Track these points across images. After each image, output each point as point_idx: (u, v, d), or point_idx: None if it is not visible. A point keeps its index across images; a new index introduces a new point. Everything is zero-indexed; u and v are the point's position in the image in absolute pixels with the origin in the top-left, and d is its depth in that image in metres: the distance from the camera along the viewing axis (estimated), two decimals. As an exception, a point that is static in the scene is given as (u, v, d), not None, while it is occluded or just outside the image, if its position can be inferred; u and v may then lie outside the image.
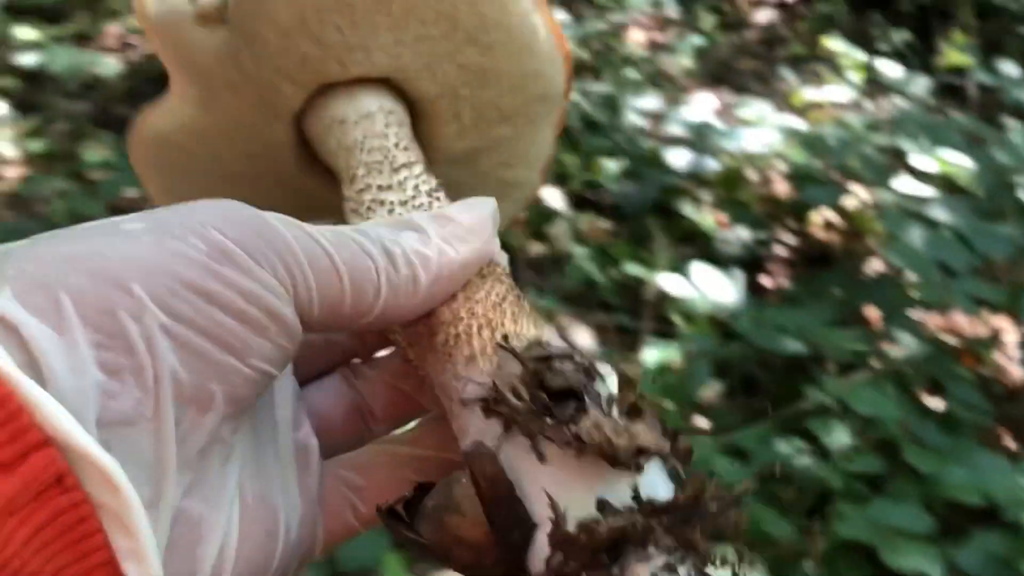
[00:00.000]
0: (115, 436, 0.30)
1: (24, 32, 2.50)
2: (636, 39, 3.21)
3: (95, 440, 0.28)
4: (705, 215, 2.24)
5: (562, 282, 2.17)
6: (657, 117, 2.54)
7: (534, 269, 2.25)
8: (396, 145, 0.50)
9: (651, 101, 2.47)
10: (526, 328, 0.42)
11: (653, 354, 1.85)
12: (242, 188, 0.56)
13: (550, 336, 0.42)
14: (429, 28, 0.50)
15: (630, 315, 2.11)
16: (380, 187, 0.49)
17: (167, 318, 0.32)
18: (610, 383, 0.40)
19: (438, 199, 0.49)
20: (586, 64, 2.94)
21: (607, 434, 0.34)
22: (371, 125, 0.51)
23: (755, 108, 2.28)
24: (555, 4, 3.20)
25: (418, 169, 0.50)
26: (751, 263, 2.23)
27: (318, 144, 0.53)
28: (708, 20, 3.24)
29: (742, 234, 2.21)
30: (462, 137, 0.57)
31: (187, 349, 0.32)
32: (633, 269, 1.98)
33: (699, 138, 2.15)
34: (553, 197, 2.10)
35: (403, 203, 0.48)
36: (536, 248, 2.28)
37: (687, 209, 2.24)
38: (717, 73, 3.08)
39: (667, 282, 1.85)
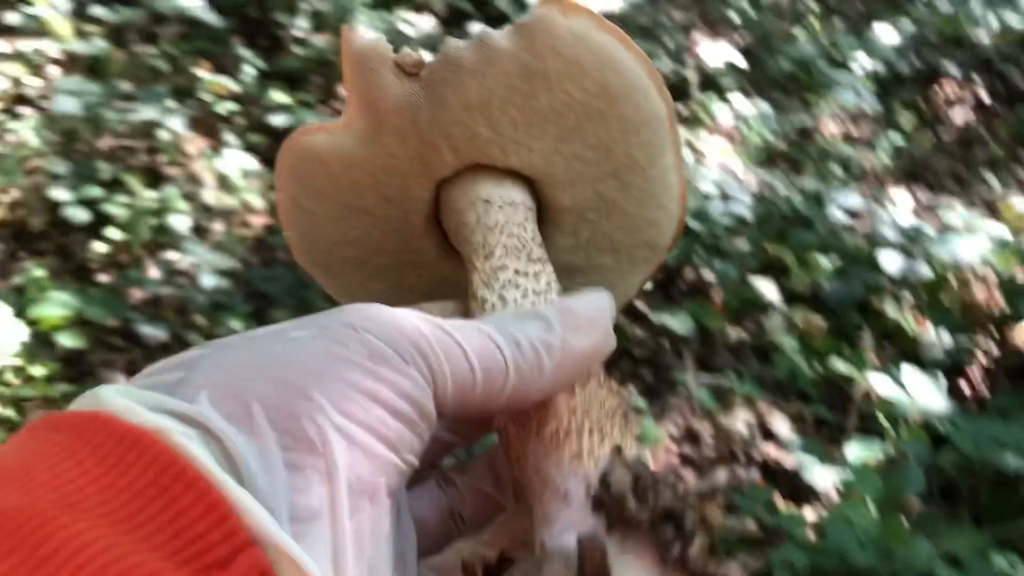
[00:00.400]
0: (304, 530, 0.32)
1: (278, 96, 2.77)
2: (829, 130, 3.28)
3: (291, 537, 0.31)
4: (907, 316, 2.28)
5: (762, 369, 2.24)
6: (859, 214, 2.60)
7: (732, 353, 2.33)
8: (532, 239, 0.54)
9: (854, 199, 2.53)
10: (632, 445, 0.44)
11: (855, 450, 1.89)
12: (362, 222, 0.59)
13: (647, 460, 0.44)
14: (587, 151, 0.55)
15: (829, 408, 2.16)
16: (518, 271, 0.51)
17: (340, 418, 0.34)
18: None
19: None
20: (785, 155, 3.03)
21: (710, 566, 0.38)
22: (514, 214, 0.54)
23: (963, 215, 2.31)
24: (754, 94, 3.30)
25: (550, 268, 0.53)
26: (949, 368, 2.25)
27: (454, 212, 0.56)
28: (906, 117, 3.27)
29: (943, 338, 2.23)
30: (572, 253, 0.61)
31: (357, 446, 0.34)
32: (839, 365, 2.03)
33: (911, 243, 2.20)
34: (768, 289, 2.18)
35: (536, 292, 0.50)
36: (735, 333, 2.36)
37: (889, 308, 2.28)
38: (912, 171, 3.10)
39: (877, 382, 1.90)
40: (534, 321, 0.44)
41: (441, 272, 0.61)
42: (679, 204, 0.59)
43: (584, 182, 0.56)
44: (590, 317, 0.45)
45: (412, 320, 0.40)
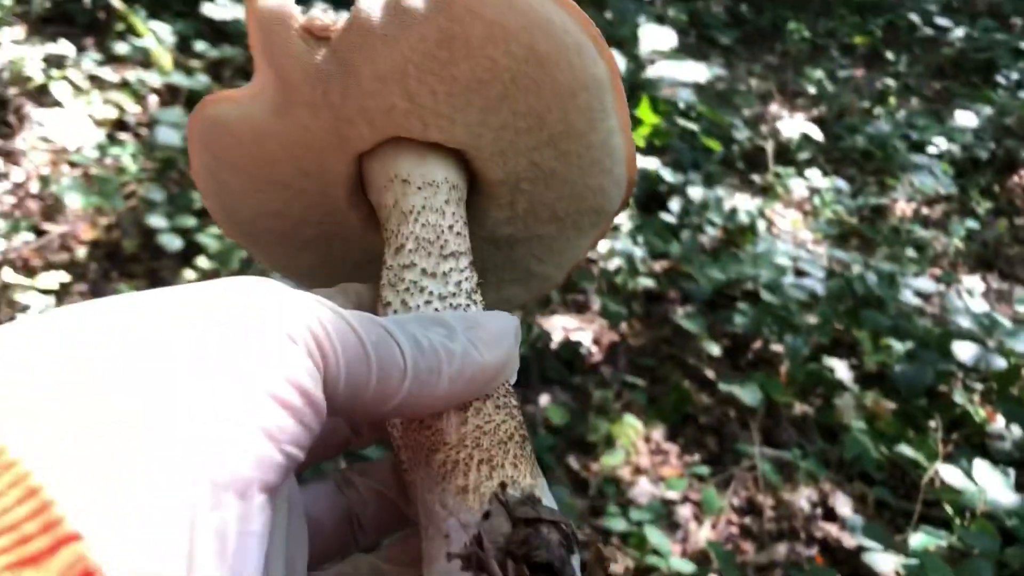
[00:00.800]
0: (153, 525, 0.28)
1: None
2: (903, 209, 3.29)
3: (136, 532, 0.27)
4: (976, 405, 2.27)
5: (825, 446, 2.25)
6: (931, 297, 2.61)
7: (796, 428, 2.34)
8: (451, 228, 0.49)
9: (926, 282, 2.54)
10: (524, 475, 0.42)
11: (919, 538, 1.89)
12: (281, 195, 0.55)
13: (543, 489, 0.42)
14: (517, 120, 0.49)
15: (892, 492, 2.15)
16: (424, 271, 0.47)
17: (208, 401, 0.30)
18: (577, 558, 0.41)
19: (475, 301, 0.48)
20: (857, 231, 3.05)
21: None
22: (433, 196, 0.49)
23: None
24: (831, 171, 3.33)
25: (464, 262, 0.49)
26: (1018, 462, 2.23)
27: (374, 190, 0.52)
28: (980, 203, 3.28)
29: (1014, 431, 2.22)
30: (510, 224, 0.57)
31: (224, 436, 0.30)
32: (907, 451, 2.04)
33: (985, 332, 2.20)
34: (840, 368, 2.20)
35: (442, 297, 0.47)
36: (799, 407, 2.37)
37: (958, 396, 2.28)
38: (985, 257, 3.10)
39: (947, 472, 1.90)
40: (437, 326, 0.41)
41: (370, 244, 0.57)
42: (626, 166, 0.54)
43: (516, 153, 0.51)
44: (495, 333, 0.43)
45: (307, 301, 0.36)
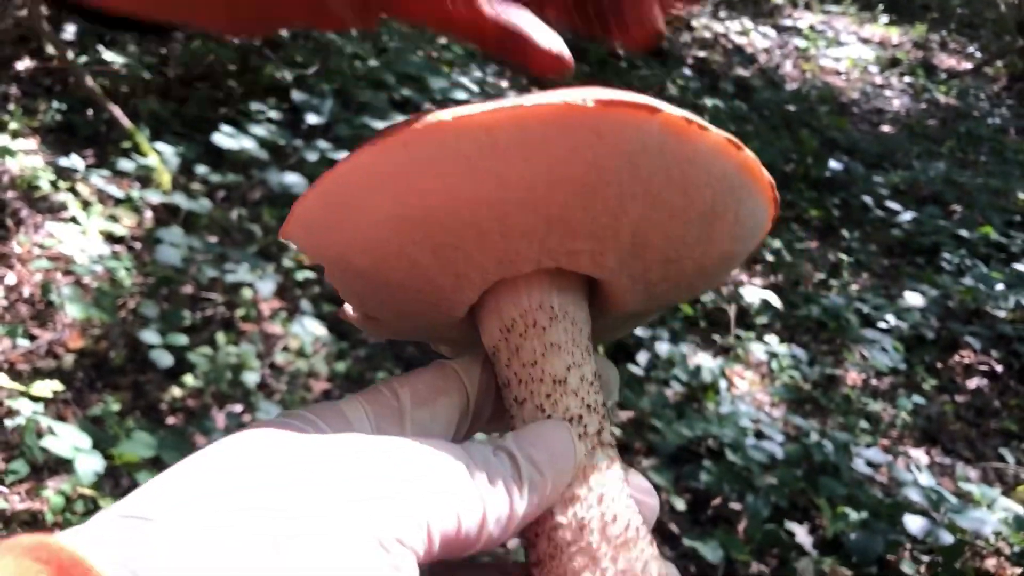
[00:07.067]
0: None
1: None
2: (854, 379, 3.48)
3: None
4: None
5: (781, 607, 2.33)
6: (880, 467, 2.75)
7: (753, 586, 2.43)
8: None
9: (877, 454, 2.69)
10: None
11: None
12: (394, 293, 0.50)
13: None
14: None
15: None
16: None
17: None
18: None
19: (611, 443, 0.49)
20: (811, 398, 3.22)
21: None
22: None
23: (984, 490, 2.46)
24: (787, 337, 3.52)
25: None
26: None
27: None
28: (927, 379, 3.48)
29: (958, 604, 2.34)
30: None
31: None
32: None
33: (932, 506, 2.34)
34: (800, 533, 2.31)
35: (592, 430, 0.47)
36: (756, 566, 2.46)
37: (906, 567, 2.40)
38: (929, 431, 3.28)
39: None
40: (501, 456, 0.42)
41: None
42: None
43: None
44: (554, 454, 0.44)
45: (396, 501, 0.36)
